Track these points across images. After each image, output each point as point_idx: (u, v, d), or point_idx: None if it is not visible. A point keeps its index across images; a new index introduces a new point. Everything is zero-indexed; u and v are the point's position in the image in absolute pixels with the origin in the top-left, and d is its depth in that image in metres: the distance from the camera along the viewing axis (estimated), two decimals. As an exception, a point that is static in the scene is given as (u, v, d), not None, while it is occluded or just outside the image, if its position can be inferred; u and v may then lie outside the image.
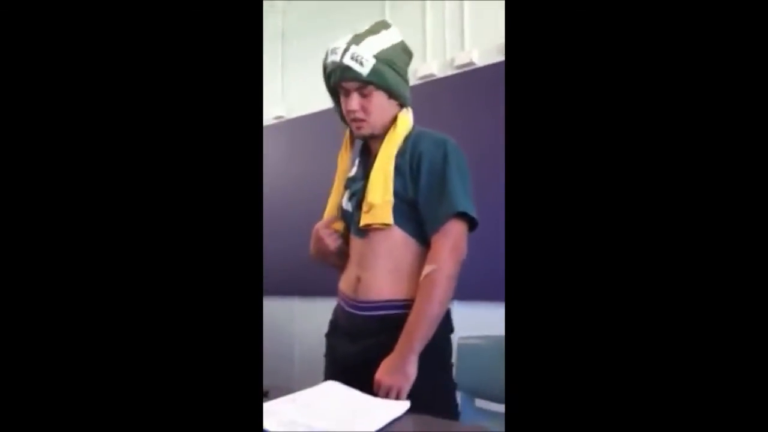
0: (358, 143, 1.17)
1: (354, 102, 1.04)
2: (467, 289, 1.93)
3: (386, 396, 0.90)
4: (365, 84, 1.03)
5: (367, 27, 1.06)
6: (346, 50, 1.01)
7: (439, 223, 0.99)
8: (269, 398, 0.79)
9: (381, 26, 1.07)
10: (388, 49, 1.04)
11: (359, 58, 1.00)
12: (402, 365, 0.92)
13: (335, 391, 0.85)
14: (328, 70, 1.07)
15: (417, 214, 1.02)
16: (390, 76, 1.04)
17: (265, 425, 0.65)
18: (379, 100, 1.05)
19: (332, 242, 1.12)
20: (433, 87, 2.27)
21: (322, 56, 1.09)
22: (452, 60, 2.26)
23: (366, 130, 1.07)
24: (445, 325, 1.02)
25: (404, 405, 0.78)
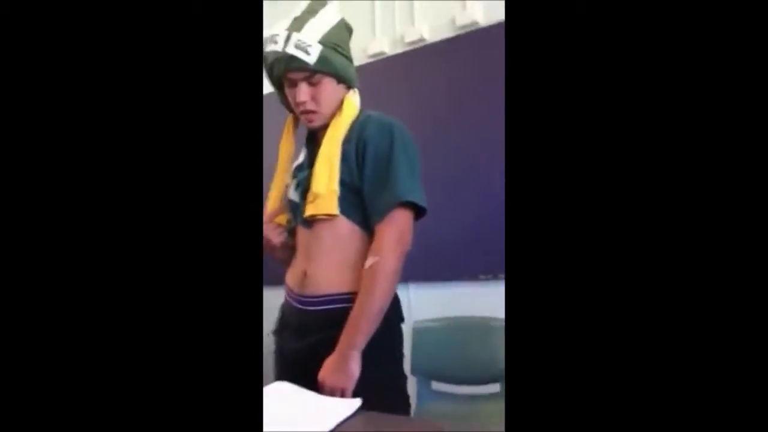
0: (302, 128, 1.11)
1: (303, 93, 0.98)
2: (420, 271, 1.95)
3: (331, 396, 0.88)
4: (313, 73, 0.97)
5: (303, 8, 1.00)
6: (288, 38, 0.95)
7: (383, 212, 0.95)
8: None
9: (318, 5, 1.01)
10: (331, 32, 0.98)
11: (304, 46, 0.94)
12: (344, 364, 0.90)
13: (284, 391, 0.83)
14: (269, 60, 1.00)
15: (364, 203, 0.99)
16: (337, 60, 0.99)
17: None
18: (329, 88, 1.00)
19: (275, 237, 1.08)
20: (385, 65, 2.22)
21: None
22: (402, 37, 2.21)
23: (317, 122, 1.02)
24: (393, 315, 1.00)
25: (355, 403, 0.76)
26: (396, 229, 0.95)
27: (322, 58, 0.96)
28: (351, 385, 0.89)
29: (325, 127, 1.02)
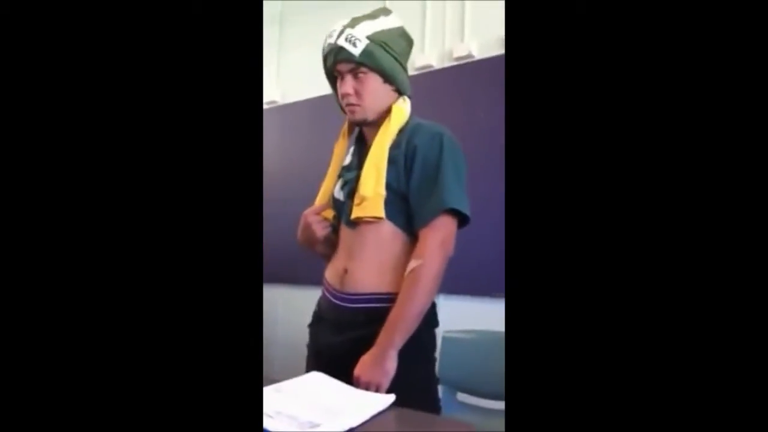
0: (356, 131, 1.15)
1: (347, 85, 1.02)
2: (453, 283, 1.95)
3: (366, 391, 0.90)
4: (358, 65, 1.01)
5: (367, 13, 1.05)
6: (341, 32, 1.01)
7: (428, 218, 0.97)
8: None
9: (380, 12, 1.05)
10: (383, 32, 1.02)
11: (352, 39, 0.99)
12: (381, 361, 0.91)
13: (321, 382, 0.85)
14: (324, 53, 1.06)
15: (408, 208, 1.01)
16: (383, 57, 1.02)
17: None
18: (373, 84, 1.03)
19: (320, 230, 1.11)
20: (431, 78, 2.25)
21: (321, 41, 1.07)
22: (451, 51, 2.24)
23: (359, 115, 1.05)
24: (430, 319, 1.01)
25: (389, 398, 0.78)
26: (440, 235, 0.97)
27: (367, 52, 0.99)
28: (386, 382, 0.90)
29: (373, 129, 1.06)
